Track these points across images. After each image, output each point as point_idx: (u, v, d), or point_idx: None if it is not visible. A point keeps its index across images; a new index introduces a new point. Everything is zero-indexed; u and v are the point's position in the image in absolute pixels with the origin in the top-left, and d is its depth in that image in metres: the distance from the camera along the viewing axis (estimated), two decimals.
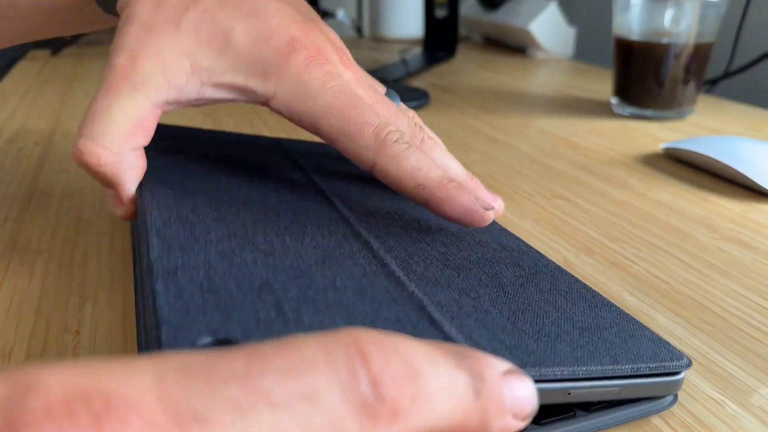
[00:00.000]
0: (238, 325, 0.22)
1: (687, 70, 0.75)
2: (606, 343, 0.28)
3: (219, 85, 0.36)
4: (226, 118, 0.77)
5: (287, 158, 0.49)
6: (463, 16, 1.34)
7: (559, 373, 0.25)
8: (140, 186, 0.36)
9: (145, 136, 0.36)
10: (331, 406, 0.15)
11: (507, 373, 0.19)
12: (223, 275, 0.26)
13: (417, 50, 1.19)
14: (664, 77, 0.75)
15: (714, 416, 0.29)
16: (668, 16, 0.72)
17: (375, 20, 1.42)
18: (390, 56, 1.18)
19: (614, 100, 0.81)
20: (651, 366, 0.27)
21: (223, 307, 0.23)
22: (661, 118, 0.77)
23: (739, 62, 0.91)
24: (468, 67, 1.12)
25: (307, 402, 0.15)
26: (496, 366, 0.19)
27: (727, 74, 0.90)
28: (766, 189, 0.53)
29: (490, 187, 0.56)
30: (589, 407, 0.27)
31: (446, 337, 0.25)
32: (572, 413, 0.27)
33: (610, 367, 0.26)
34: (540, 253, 0.37)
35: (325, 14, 1.31)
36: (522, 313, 0.29)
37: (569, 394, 0.25)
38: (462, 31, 1.37)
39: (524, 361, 0.25)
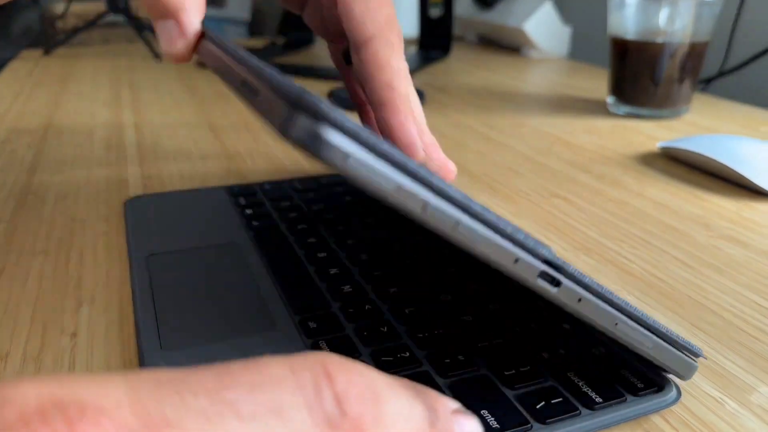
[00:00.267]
0: None
1: (682, 68, 0.75)
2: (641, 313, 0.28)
3: None
4: (221, 119, 0.77)
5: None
6: (457, 16, 1.34)
7: (614, 297, 0.25)
8: None
9: None
10: (296, 420, 0.15)
11: (457, 411, 0.20)
12: None
13: (412, 49, 1.19)
14: (660, 76, 0.75)
15: (714, 414, 0.29)
16: (663, 15, 0.72)
17: None
18: None
19: (609, 99, 0.81)
20: (680, 338, 0.27)
21: None
22: (657, 117, 0.78)
23: (733, 61, 0.91)
24: (463, 67, 1.12)
25: (274, 415, 0.15)
26: (448, 403, 0.20)
27: (722, 73, 0.91)
28: (761, 188, 0.53)
29: (487, 186, 0.56)
30: (593, 405, 0.27)
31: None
32: (577, 411, 0.27)
33: (651, 321, 0.26)
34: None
35: None
36: None
37: (616, 324, 0.26)
38: (456, 30, 1.37)
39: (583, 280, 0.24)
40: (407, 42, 1.32)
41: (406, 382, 0.19)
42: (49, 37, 1.56)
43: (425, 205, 0.20)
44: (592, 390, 0.28)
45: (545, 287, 0.24)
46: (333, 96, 0.83)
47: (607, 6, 0.78)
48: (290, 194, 0.50)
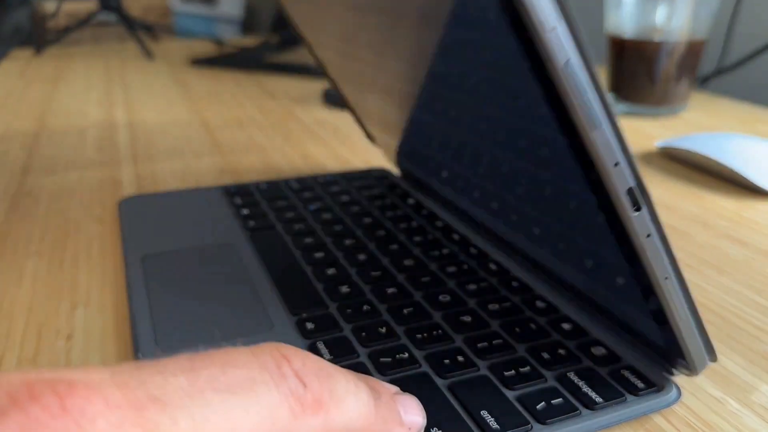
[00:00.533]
0: None
1: (680, 66, 0.75)
2: None
3: None
4: (215, 118, 0.77)
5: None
6: None
7: (674, 254, 0.25)
8: None
9: None
10: (266, 393, 0.17)
11: (397, 393, 0.22)
12: None
13: None
14: (657, 74, 0.75)
15: (715, 414, 0.29)
16: (660, 13, 0.72)
17: None
18: None
19: None
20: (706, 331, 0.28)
21: None
22: (655, 115, 0.77)
23: (731, 59, 0.91)
24: None
25: (246, 390, 0.17)
26: (388, 387, 0.22)
27: (720, 71, 0.91)
28: (761, 187, 0.53)
29: None
30: (593, 405, 0.27)
31: None
32: (578, 411, 0.27)
33: (692, 297, 0.26)
34: None
35: None
36: None
37: (666, 278, 0.25)
38: None
39: None
40: None
41: (348, 370, 0.21)
42: (40, 37, 1.55)
43: (568, 61, 0.21)
44: (593, 390, 0.28)
45: (626, 206, 0.24)
46: (327, 95, 0.83)
47: (604, 4, 0.77)
48: (286, 194, 0.50)
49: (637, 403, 0.28)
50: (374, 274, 0.38)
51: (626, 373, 0.29)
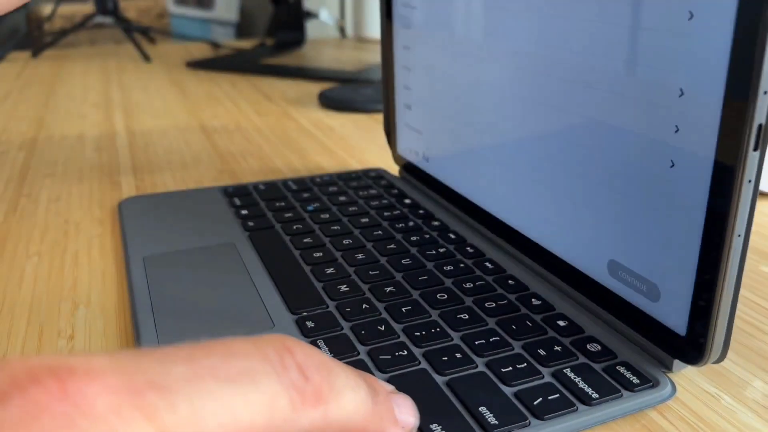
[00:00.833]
0: None
1: None
2: None
3: None
4: (212, 120, 0.77)
5: None
6: None
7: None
8: None
9: None
10: (266, 384, 0.17)
11: (393, 392, 0.22)
12: None
13: None
14: None
15: (710, 409, 0.29)
16: None
17: (358, 21, 1.42)
18: (374, 56, 1.18)
19: None
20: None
21: None
22: None
23: None
24: None
25: (248, 379, 0.17)
26: (385, 385, 0.22)
27: None
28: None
29: None
30: (589, 401, 0.28)
31: None
32: (574, 407, 0.27)
33: None
34: None
35: (308, 15, 1.30)
36: None
37: (738, 236, 0.26)
38: None
39: None
40: None
41: (349, 366, 0.21)
42: (35, 39, 1.55)
43: None
44: (589, 386, 0.29)
45: (751, 141, 0.24)
46: (323, 97, 0.83)
47: None
48: (284, 194, 0.50)
49: (633, 398, 0.28)
50: (372, 273, 0.38)
51: (621, 369, 0.30)
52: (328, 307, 0.35)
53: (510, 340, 0.32)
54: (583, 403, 0.28)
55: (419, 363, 0.30)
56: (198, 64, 1.10)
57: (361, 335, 0.32)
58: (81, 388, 0.14)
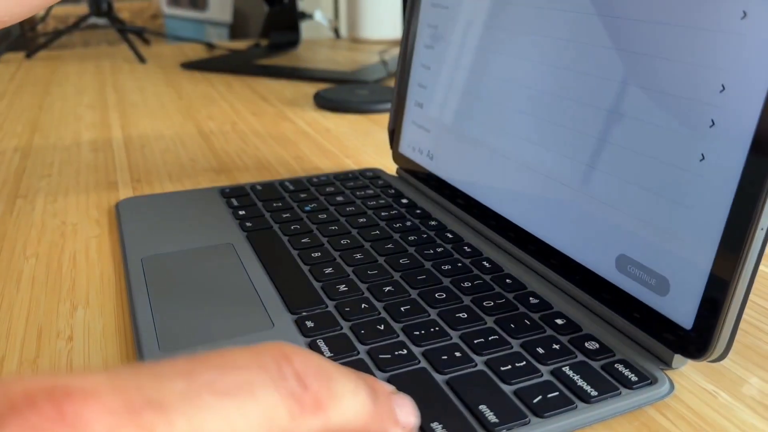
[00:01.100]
0: None
1: None
2: None
3: None
4: (208, 120, 0.77)
5: None
6: None
7: None
8: None
9: None
10: (264, 395, 0.17)
11: (393, 392, 0.22)
12: None
13: (397, 51, 1.20)
14: None
15: (708, 406, 0.29)
16: None
17: (353, 21, 1.42)
18: (369, 57, 1.18)
19: None
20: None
21: None
22: None
23: None
24: None
25: (245, 392, 0.17)
26: (385, 386, 0.22)
27: None
28: None
29: None
30: (589, 399, 0.28)
31: None
32: (574, 405, 0.27)
33: None
34: None
35: (303, 15, 1.30)
36: None
37: (762, 229, 0.26)
38: None
39: None
40: (392, 43, 1.33)
41: (348, 368, 0.21)
42: (29, 40, 1.54)
43: None
44: (588, 384, 0.29)
45: None
46: (318, 97, 0.83)
47: None
48: (282, 195, 0.50)
49: (632, 396, 0.28)
50: (371, 272, 0.38)
51: (620, 367, 0.30)
52: (327, 307, 0.35)
53: (509, 339, 0.32)
54: (582, 400, 0.28)
55: (419, 362, 0.30)
56: (193, 65, 1.10)
57: (360, 335, 0.32)
58: (77, 411, 0.14)
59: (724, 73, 0.28)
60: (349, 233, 0.44)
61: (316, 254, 0.41)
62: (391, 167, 0.56)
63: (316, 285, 0.37)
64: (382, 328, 0.33)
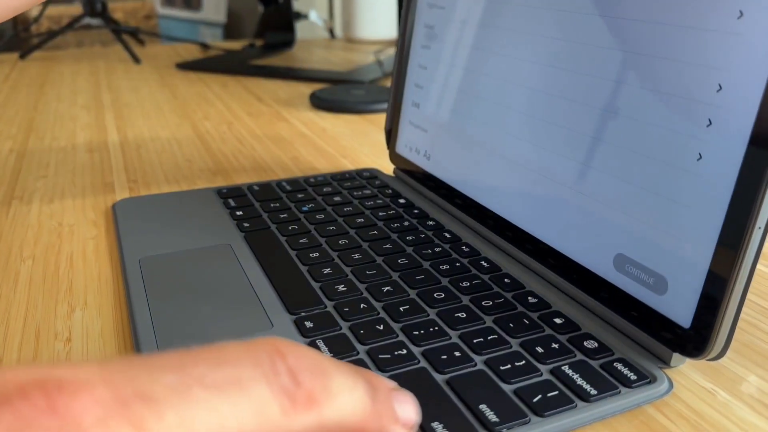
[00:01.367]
0: None
1: None
2: None
3: None
4: (204, 121, 0.77)
5: None
6: None
7: None
8: None
9: None
10: (256, 390, 0.17)
11: (394, 389, 0.21)
12: None
13: (392, 51, 1.20)
14: None
15: (706, 405, 0.29)
16: None
17: (348, 21, 1.42)
18: (364, 57, 1.18)
19: None
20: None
21: None
22: None
23: None
24: None
25: (237, 387, 0.17)
26: (386, 382, 0.21)
27: None
28: None
29: None
30: (588, 398, 0.28)
31: None
32: (573, 404, 0.27)
33: None
34: None
35: (298, 15, 1.30)
36: None
37: (759, 228, 0.27)
38: None
39: None
40: (387, 43, 1.33)
41: (348, 363, 0.21)
42: (23, 41, 1.54)
43: None
44: (587, 383, 0.29)
45: None
46: (314, 98, 0.83)
47: None
48: (279, 195, 0.50)
49: (631, 394, 0.28)
50: (369, 272, 0.38)
51: (618, 366, 0.30)
52: (326, 307, 0.35)
53: (508, 338, 0.32)
54: (582, 399, 0.28)
55: (418, 362, 0.30)
56: (188, 65, 1.10)
57: (359, 335, 0.32)
58: (68, 402, 0.14)
59: (721, 73, 0.28)
60: (347, 233, 0.44)
61: (315, 254, 0.41)
62: (388, 167, 0.56)
63: (315, 285, 0.37)
64: (381, 328, 0.33)
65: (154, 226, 0.44)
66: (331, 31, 1.50)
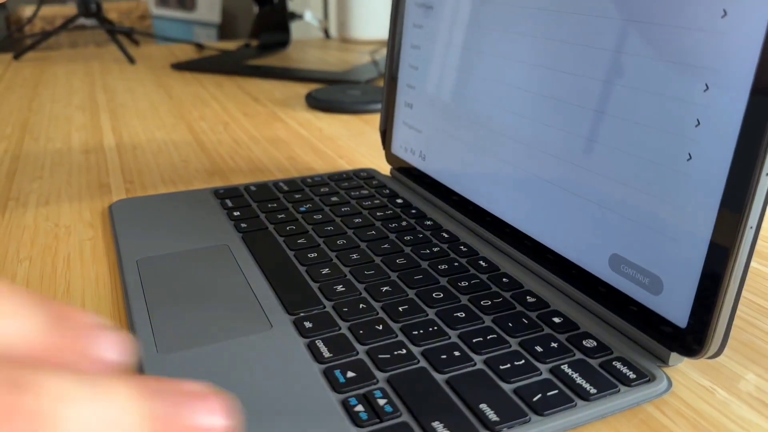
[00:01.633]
0: None
1: None
2: None
3: None
4: (199, 121, 0.77)
5: None
6: None
7: None
8: None
9: None
10: None
11: (97, 325, 0.17)
12: None
13: None
14: None
15: (705, 403, 0.29)
16: None
17: (343, 22, 1.42)
18: (360, 57, 1.18)
19: None
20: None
21: None
22: None
23: None
24: None
25: None
26: (86, 316, 0.17)
27: None
28: None
29: None
30: (588, 397, 0.28)
31: None
32: (573, 403, 0.28)
33: None
34: None
35: (293, 16, 1.30)
36: None
37: (751, 228, 0.27)
38: None
39: None
40: (383, 43, 1.33)
41: (26, 290, 0.16)
42: (16, 41, 1.53)
43: None
44: (586, 382, 0.29)
45: None
46: (311, 98, 0.83)
47: None
48: (276, 195, 0.50)
49: (630, 393, 0.29)
50: (368, 273, 0.38)
51: (618, 365, 0.30)
52: (324, 307, 0.35)
53: (507, 338, 0.32)
54: (582, 398, 0.28)
55: (418, 362, 0.30)
56: (183, 66, 1.09)
57: (359, 335, 0.32)
58: None
59: (707, 72, 0.28)
60: (344, 233, 0.44)
61: (313, 255, 0.41)
62: (384, 167, 0.56)
63: (313, 285, 0.37)
64: (380, 328, 0.33)
65: (151, 227, 0.44)
66: (326, 32, 1.50)
